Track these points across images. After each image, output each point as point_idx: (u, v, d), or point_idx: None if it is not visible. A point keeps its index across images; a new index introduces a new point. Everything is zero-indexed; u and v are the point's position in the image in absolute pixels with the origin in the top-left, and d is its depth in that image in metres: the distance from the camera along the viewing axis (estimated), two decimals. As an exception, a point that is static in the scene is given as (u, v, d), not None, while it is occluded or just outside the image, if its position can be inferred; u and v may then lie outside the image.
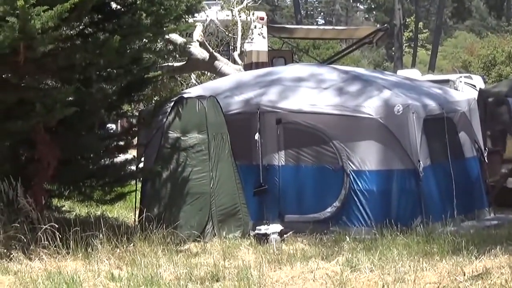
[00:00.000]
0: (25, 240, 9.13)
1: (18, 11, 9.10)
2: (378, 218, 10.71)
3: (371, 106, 11.18)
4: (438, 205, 11.64)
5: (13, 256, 8.65)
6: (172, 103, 11.52)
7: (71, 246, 9.39)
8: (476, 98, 14.30)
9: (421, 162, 11.07)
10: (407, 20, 64.43)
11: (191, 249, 10.13)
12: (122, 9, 11.33)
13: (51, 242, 9.45)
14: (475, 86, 24.05)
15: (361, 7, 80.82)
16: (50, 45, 10.07)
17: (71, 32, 10.94)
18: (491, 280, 7.37)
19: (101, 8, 11.00)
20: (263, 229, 10.55)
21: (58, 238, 9.49)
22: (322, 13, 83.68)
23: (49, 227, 9.70)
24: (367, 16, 77.99)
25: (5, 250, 8.86)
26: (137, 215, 11.71)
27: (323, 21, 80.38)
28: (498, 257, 8.54)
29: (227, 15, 21.22)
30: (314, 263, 8.83)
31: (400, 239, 10.07)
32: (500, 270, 7.73)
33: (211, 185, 11.15)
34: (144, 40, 11.46)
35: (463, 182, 12.17)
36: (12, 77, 10.98)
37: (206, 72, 19.06)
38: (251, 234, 10.67)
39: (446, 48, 64.21)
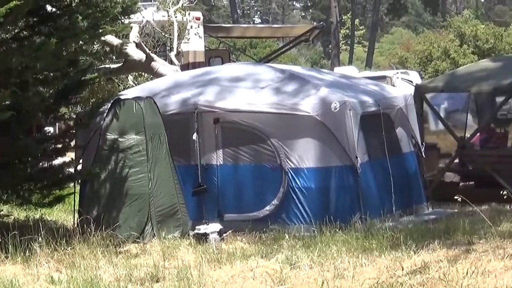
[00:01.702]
0: (-38, 246, 9.27)
1: (-48, 17, 9.41)
2: (317, 215, 10.77)
3: (308, 104, 11.25)
4: (377, 201, 11.80)
5: (-49, 262, 8.65)
6: (110, 105, 11.39)
7: (9, 251, 9.26)
8: (412, 94, 14.47)
9: (358, 158, 11.21)
10: (343, 17, 66.11)
11: (130, 250, 10.09)
12: (58, 12, 11.18)
13: (-11, 247, 9.80)
14: (411, 81, 25.08)
15: (298, 5, 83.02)
16: (-15, 50, 10.13)
17: (7, 35, 10.90)
18: (429, 274, 7.44)
19: (36, 11, 10.88)
20: (202, 228, 10.57)
21: (-4, 243, 9.90)
22: (258, 12, 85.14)
23: (-14, 232, 10.01)
24: (303, 14, 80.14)
25: None
26: (76, 218, 11.53)
27: (260, 20, 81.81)
28: (436, 251, 8.74)
29: (163, 16, 21.38)
30: (253, 261, 8.87)
31: (339, 236, 10.15)
32: (438, 264, 7.91)
33: (150, 186, 11.13)
34: (81, 42, 11.32)
35: (401, 178, 12.38)
36: None
37: (143, 74, 19.34)
38: (190, 234, 10.66)
39: (383, 44, 66.84)
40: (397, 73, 28.02)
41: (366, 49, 62.77)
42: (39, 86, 11.33)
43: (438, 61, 41.85)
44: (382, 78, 23.67)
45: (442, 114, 16.22)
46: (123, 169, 11.14)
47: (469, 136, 15.50)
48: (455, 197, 9.93)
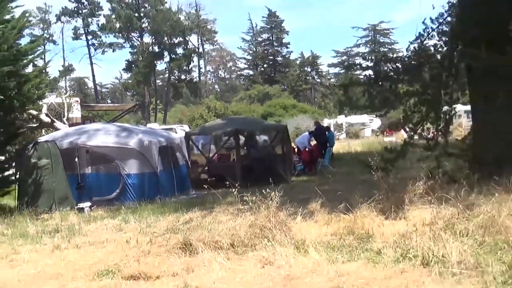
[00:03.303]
0: None
1: None
2: (138, 196, 15.23)
3: (132, 142, 16.10)
4: (168, 189, 16.26)
5: None
6: (32, 144, 15.76)
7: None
8: (184, 136, 20.16)
9: (158, 168, 16.19)
10: (151, 99, 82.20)
11: (44, 217, 13.63)
12: (3, 97, 14.73)
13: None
14: (185, 130, 33.73)
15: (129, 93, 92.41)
16: None
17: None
18: (192, 224, 10.24)
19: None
20: (81, 205, 14.65)
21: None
22: (109, 96, 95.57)
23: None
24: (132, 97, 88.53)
25: None
26: (16, 202, 15.54)
27: (110, 101, 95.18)
28: (196, 212, 11.99)
29: (59, 99, 27.47)
30: (106, 220, 12.51)
31: (149, 207, 14.05)
32: (197, 218, 10.92)
33: (53, 185, 15.33)
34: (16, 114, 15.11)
35: (179, 177, 17.27)
36: None
37: (49, 129, 22.97)
38: (75, 208, 14.56)
39: (173, 112, 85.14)
40: (178, 126, 41.40)
41: (163, 114, 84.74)
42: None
43: (198, 120, 58.97)
44: (170, 129, 33.24)
45: (199, 146, 21.70)
46: (40, 177, 15.28)
47: (211, 156, 21.17)
48: (205, 186, 12.93)
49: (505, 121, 13.60)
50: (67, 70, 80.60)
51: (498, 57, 12.56)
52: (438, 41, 14.31)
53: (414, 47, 14.78)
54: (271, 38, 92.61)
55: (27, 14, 16.14)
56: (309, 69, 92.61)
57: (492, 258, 7.39)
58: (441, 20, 14.38)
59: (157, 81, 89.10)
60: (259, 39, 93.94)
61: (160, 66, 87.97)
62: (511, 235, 8.20)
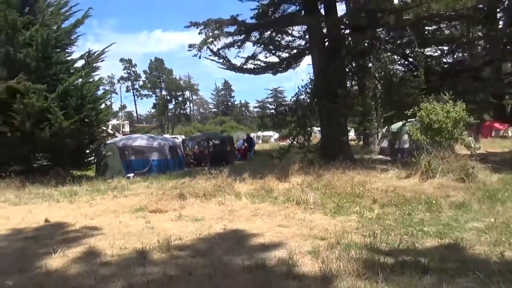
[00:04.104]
0: None
1: None
2: (158, 171, 14.07)
3: (155, 143, 15.12)
4: (173, 167, 14.79)
5: None
6: (103, 144, 15.26)
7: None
8: (181, 141, 19.66)
9: (168, 156, 14.90)
10: (165, 122, 75.04)
11: (109, 181, 12.28)
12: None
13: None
14: (183, 138, 25.58)
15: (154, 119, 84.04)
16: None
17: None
18: (185, 184, 9.15)
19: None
20: (128, 175, 13.73)
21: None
22: (144, 120, 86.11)
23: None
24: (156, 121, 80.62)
25: None
26: (94, 174, 14.66)
27: (144, 122, 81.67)
28: (186, 179, 10.28)
29: (118, 121, 26.91)
30: (141, 183, 11.51)
31: (163, 176, 12.66)
32: (187, 182, 9.55)
33: (114, 164, 14.04)
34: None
35: (179, 161, 15.78)
36: None
37: (112, 137, 20.75)
38: (125, 176, 13.34)
39: (177, 129, 66.99)
40: (179, 136, 32.02)
41: (171, 130, 70.13)
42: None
43: (189, 133, 47.18)
44: (175, 137, 26.40)
45: (189, 146, 19.97)
46: (106, 160, 14.55)
47: (195, 151, 19.39)
48: (192, 166, 14.13)
49: (335, 135, 13.73)
50: (122, 107, 79.35)
51: (332, 105, 12.98)
52: (305, 96, 14.25)
53: (293, 99, 14.76)
54: (225, 93, 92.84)
55: (101, 78, 15.82)
56: (243, 108, 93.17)
57: (329, 200, 7.54)
58: (306, 86, 14.38)
59: (169, 113, 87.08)
60: (220, 93, 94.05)
61: (170, 106, 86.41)
62: (338, 189, 8.36)
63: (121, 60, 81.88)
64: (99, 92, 14.91)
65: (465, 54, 21.93)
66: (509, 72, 28.88)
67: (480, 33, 20.03)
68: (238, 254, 4.51)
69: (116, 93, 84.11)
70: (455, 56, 21.64)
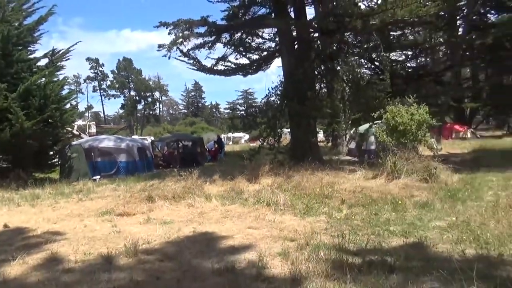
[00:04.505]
0: None
1: None
2: (125, 173, 13.78)
3: (123, 145, 14.80)
4: (141, 169, 14.32)
5: None
6: (68, 145, 14.86)
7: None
8: (150, 142, 18.81)
9: (136, 158, 14.46)
10: (134, 123, 74.49)
11: (74, 184, 12.03)
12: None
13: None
14: (152, 139, 24.80)
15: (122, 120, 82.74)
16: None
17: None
18: (154, 186, 9.08)
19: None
20: (94, 177, 13.46)
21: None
22: (111, 121, 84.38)
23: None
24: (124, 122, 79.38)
25: None
26: (58, 176, 14.31)
27: (112, 123, 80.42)
28: (155, 181, 10.23)
29: (84, 122, 26.14)
30: (108, 185, 11.34)
31: (131, 178, 12.26)
32: (156, 184, 9.48)
33: (79, 166, 13.90)
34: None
35: (148, 162, 15.36)
36: None
37: (78, 138, 19.61)
38: (91, 179, 13.15)
39: (146, 130, 65.49)
40: (148, 137, 30.36)
41: (140, 131, 68.06)
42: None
43: (158, 134, 46.84)
44: (144, 139, 23.79)
45: (158, 147, 19.44)
46: (71, 162, 14.16)
47: (164, 152, 18.84)
48: (160, 168, 14.33)
49: (304, 136, 13.72)
50: (89, 107, 77.29)
51: (301, 107, 13.03)
52: (275, 98, 14.20)
53: (264, 101, 14.72)
54: (195, 94, 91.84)
55: (66, 78, 15.48)
56: (214, 110, 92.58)
57: (299, 201, 7.53)
58: (277, 88, 14.32)
59: (138, 114, 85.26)
60: (190, 94, 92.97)
61: (139, 106, 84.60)
62: (308, 190, 8.38)
63: (88, 59, 79.46)
64: (64, 92, 14.50)
65: (428, 59, 22.91)
66: (468, 77, 30.50)
67: (441, 39, 20.95)
68: (208, 257, 4.45)
69: (82, 93, 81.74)
70: (418, 60, 22.60)
